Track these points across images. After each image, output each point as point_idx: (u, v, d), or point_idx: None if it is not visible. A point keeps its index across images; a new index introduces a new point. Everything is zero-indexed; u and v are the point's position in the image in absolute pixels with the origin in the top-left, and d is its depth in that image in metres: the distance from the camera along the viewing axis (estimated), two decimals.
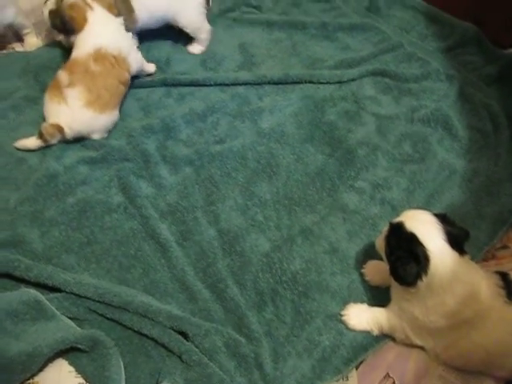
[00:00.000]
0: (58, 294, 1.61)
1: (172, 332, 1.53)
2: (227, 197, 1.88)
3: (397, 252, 1.45)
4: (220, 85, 2.26)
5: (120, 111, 2.08)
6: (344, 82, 2.30)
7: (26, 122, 2.13)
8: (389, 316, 1.55)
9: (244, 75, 2.29)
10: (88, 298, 1.59)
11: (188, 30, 2.34)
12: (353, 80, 2.31)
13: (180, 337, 1.53)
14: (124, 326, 1.57)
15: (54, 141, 1.99)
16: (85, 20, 2.02)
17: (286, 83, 2.27)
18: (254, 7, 2.72)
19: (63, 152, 2.00)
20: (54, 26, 2.21)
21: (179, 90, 2.24)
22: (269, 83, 2.27)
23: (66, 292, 1.60)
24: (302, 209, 1.86)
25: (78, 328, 1.54)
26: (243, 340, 1.55)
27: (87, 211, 1.84)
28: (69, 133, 1.97)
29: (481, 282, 1.44)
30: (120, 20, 2.09)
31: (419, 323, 1.46)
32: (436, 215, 1.46)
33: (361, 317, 1.60)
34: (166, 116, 2.12)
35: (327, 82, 2.28)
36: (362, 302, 1.65)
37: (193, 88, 2.24)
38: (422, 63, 2.42)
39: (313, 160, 2.00)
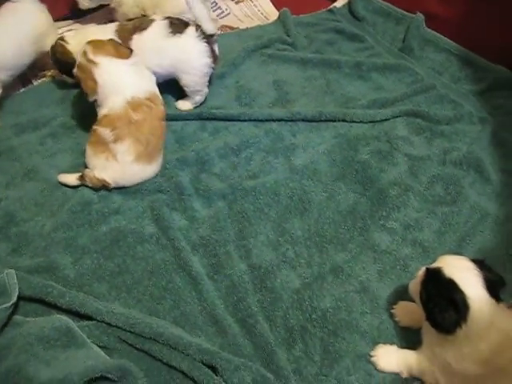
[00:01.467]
0: (89, 322, 1.62)
1: (201, 366, 1.52)
2: (259, 232, 1.89)
3: (435, 298, 1.43)
4: (254, 120, 2.29)
5: None
6: (377, 121, 2.31)
7: (63, 149, 2.18)
8: (420, 359, 1.53)
9: (278, 112, 2.31)
10: (119, 328, 1.60)
11: (186, 89, 2.29)
12: (386, 120, 2.32)
13: (209, 371, 1.52)
14: (153, 357, 1.57)
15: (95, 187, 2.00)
16: (95, 83, 1.96)
17: (320, 121, 2.30)
18: (289, 44, 2.75)
19: None
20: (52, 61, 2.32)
21: (214, 124, 2.27)
22: (302, 120, 2.29)
23: (98, 320, 1.61)
24: (333, 247, 1.87)
25: (107, 357, 1.54)
26: (272, 377, 1.53)
27: (120, 240, 1.86)
28: (113, 186, 1.98)
29: None
30: (133, 60, 2.03)
31: (451, 369, 1.44)
32: (474, 261, 1.46)
33: (391, 358, 1.59)
34: (200, 149, 2.15)
35: (360, 121, 2.30)
36: (392, 343, 1.63)
37: (227, 122, 2.27)
38: (455, 105, 2.43)
39: (345, 198, 2.01)
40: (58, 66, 2.34)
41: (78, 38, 2.25)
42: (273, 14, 3.03)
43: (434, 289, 1.45)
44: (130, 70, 2.00)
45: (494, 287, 1.42)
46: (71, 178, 2.01)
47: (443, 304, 1.40)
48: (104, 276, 1.77)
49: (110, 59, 1.98)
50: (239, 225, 1.91)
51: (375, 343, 1.63)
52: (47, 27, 2.37)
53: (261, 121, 2.29)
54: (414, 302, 1.56)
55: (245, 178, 2.06)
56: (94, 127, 1.96)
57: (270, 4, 3.10)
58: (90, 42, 2.01)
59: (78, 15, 2.81)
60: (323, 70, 2.60)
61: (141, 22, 2.25)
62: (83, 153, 2.09)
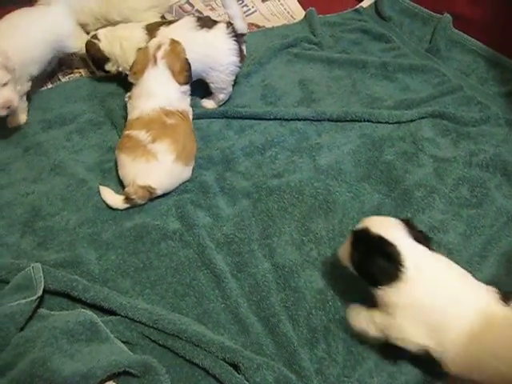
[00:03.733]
0: (112, 317, 1.63)
1: (224, 363, 1.53)
2: (283, 231, 1.89)
3: (367, 256, 1.49)
4: (279, 119, 2.29)
5: None
6: (403, 122, 2.31)
7: (89, 145, 2.20)
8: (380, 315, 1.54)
9: (303, 111, 2.32)
10: (142, 323, 1.61)
11: (212, 86, 2.29)
12: (411, 121, 2.31)
13: (231, 369, 1.52)
14: (176, 353, 1.57)
15: (143, 202, 1.94)
16: (142, 72, 2.02)
17: (345, 121, 2.29)
18: (315, 44, 2.76)
19: None
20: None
21: (239, 123, 2.28)
22: (328, 120, 2.29)
23: (121, 315, 1.62)
24: None
25: (130, 352, 1.55)
26: (294, 377, 1.53)
27: (144, 236, 1.87)
28: (158, 192, 1.95)
29: None
30: (184, 88, 2.08)
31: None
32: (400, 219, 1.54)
33: (360, 317, 1.60)
34: (225, 148, 2.16)
35: (386, 122, 2.30)
36: None
37: (253, 121, 2.28)
38: (482, 107, 2.41)
39: (369, 199, 2.00)
40: (92, 60, 2.38)
41: (108, 35, 2.31)
42: (299, 13, 3.03)
43: (364, 248, 1.51)
44: (173, 93, 2.03)
45: (419, 240, 1.49)
46: (117, 201, 1.94)
47: (376, 259, 1.47)
48: (128, 272, 1.78)
49: (167, 72, 2.02)
50: (263, 224, 1.91)
51: None
52: (67, 30, 2.38)
53: (286, 120, 2.29)
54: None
55: (269, 177, 2.06)
56: (127, 132, 1.97)
57: (297, 3, 3.10)
58: (174, 44, 2.06)
59: None
60: (349, 70, 2.60)
61: (171, 20, 2.31)
62: (109, 149, 2.14)
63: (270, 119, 2.29)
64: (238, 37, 2.20)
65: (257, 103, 2.39)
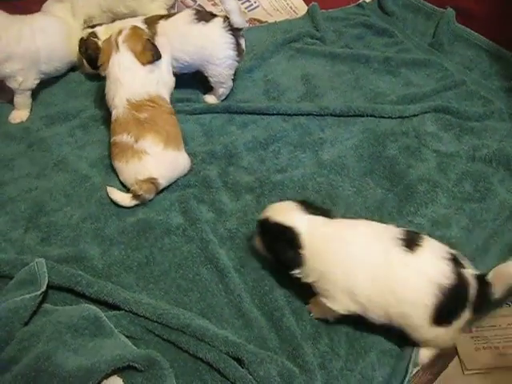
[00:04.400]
0: (116, 312, 1.64)
1: (227, 358, 1.53)
2: None
3: (272, 244, 1.60)
4: (282, 114, 2.29)
5: (183, 135, 2.10)
6: (406, 117, 2.30)
7: (92, 141, 2.21)
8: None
9: (306, 106, 2.32)
10: (146, 318, 1.61)
11: (211, 80, 2.29)
12: (414, 116, 2.31)
13: (235, 363, 1.52)
14: (180, 348, 1.57)
15: (151, 196, 1.95)
16: (107, 61, 2.04)
17: (348, 116, 2.29)
18: (318, 39, 2.76)
19: None
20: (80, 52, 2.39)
21: (242, 118, 2.28)
22: (331, 115, 2.29)
23: (125, 310, 1.63)
24: None
25: (134, 347, 1.55)
26: (297, 370, 1.53)
27: (147, 232, 1.87)
28: (161, 182, 1.95)
29: None
30: (149, 68, 2.05)
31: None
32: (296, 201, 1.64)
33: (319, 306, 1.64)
34: (228, 142, 2.16)
35: (389, 117, 2.30)
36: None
37: (255, 116, 2.28)
38: (485, 102, 2.41)
39: (372, 194, 2.00)
40: (89, 60, 2.36)
41: (108, 32, 2.28)
42: (302, 8, 3.04)
43: (268, 236, 1.61)
44: (137, 74, 2.03)
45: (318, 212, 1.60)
46: (125, 199, 1.94)
47: (280, 246, 1.57)
48: (131, 267, 1.78)
49: (130, 54, 2.02)
50: None
51: (400, 338, 1.62)
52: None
53: (289, 115, 2.29)
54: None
55: (272, 172, 2.06)
56: (112, 139, 2.00)
57: None
58: (135, 28, 2.07)
59: None
60: (352, 65, 2.60)
61: (170, 13, 2.31)
62: None
63: (273, 114, 2.30)
64: (235, 31, 2.20)
65: (259, 98, 2.39)
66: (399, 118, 2.30)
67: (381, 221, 1.85)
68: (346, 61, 2.61)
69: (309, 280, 1.56)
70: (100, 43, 2.26)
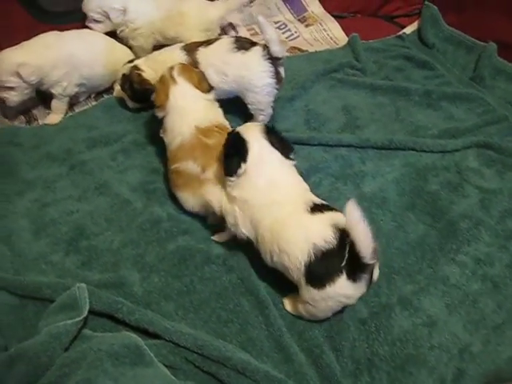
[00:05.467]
0: (156, 341, 1.63)
1: None
2: None
3: (227, 151, 1.74)
4: (323, 145, 2.29)
5: None
6: (447, 151, 2.28)
7: (133, 165, 2.21)
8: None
9: (347, 137, 2.31)
10: (186, 348, 1.60)
11: (250, 107, 2.29)
12: (456, 150, 2.29)
13: None
14: (220, 380, 1.56)
15: None
16: (167, 98, 1.99)
17: (389, 149, 2.28)
18: (358, 70, 2.76)
19: (167, 199, 2.06)
20: (123, 89, 2.38)
21: None
22: (372, 147, 2.28)
23: (165, 340, 1.62)
24: (402, 278, 1.84)
25: (173, 377, 1.53)
26: None
27: (187, 260, 1.86)
28: None
29: None
30: (210, 96, 2.05)
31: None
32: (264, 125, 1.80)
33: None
34: None
35: (430, 151, 2.28)
36: (455, 379, 1.60)
37: (296, 146, 2.23)
38: None
39: (414, 229, 1.98)
40: (133, 94, 2.36)
41: (148, 63, 2.32)
42: (342, 39, 3.04)
43: (228, 145, 1.76)
44: (201, 103, 2.01)
45: (274, 144, 1.75)
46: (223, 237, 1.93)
47: (231, 153, 1.72)
48: (171, 295, 1.77)
49: (189, 85, 2.00)
50: None
51: (443, 381, 1.59)
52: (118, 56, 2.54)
53: (330, 146, 2.29)
54: None
55: None
56: (173, 167, 1.94)
57: (340, 29, 3.11)
58: (182, 64, 2.08)
59: None
60: (392, 97, 2.59)
61: (209, 40, 2.32)
62: (153, 170, 2.15)
63: (314, 145, 2.29)
64: (275, 60, 2.20)
65: (300, 128, 2.39)
66: (441, 152, 2.28)
67: (422, 258, 1.85)
68: (386, 93, 2.60)
69: (234, 193, 1.72)
70: (144, 75, 2.28)
